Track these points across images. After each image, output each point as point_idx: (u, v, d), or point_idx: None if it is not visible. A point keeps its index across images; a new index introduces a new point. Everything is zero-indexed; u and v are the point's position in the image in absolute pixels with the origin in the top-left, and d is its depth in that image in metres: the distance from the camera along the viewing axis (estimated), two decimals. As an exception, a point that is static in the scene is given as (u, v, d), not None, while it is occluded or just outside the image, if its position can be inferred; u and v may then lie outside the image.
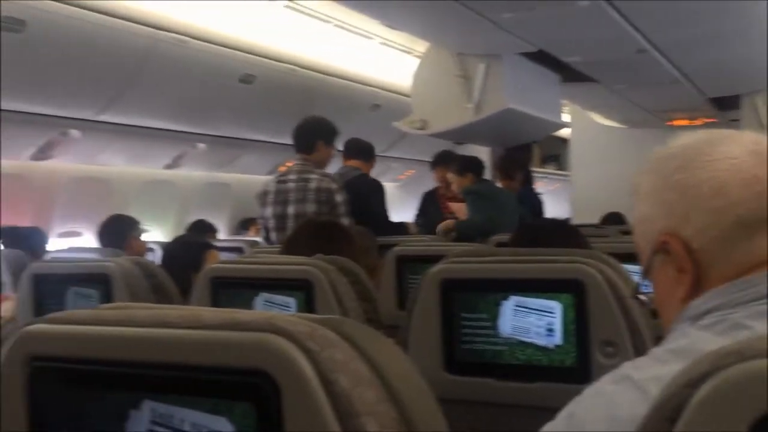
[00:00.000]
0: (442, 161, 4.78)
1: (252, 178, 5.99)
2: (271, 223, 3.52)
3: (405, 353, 1.48)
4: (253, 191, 6.12)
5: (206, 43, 4.17)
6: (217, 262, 2.11)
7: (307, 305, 1.62)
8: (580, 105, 6.85)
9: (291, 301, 1.66)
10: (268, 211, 3.51)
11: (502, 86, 4.15)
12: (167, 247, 2.75)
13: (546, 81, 4.80)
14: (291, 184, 3.47)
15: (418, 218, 5.01)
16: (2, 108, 3.83)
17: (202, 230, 4.72)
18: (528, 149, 7.07)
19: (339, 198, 3.42)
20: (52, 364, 0.68)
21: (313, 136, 3.58)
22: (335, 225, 2.25)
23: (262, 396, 0.57)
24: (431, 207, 4.91)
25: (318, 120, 3.70)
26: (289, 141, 5.69)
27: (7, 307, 2.73)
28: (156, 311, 0.68)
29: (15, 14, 3.21)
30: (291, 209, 3.43)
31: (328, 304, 1.60)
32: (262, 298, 1.69)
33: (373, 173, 7.59)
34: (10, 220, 4.16)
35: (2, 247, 3.65)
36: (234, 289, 1.73)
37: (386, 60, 5.65)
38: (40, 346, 0.69)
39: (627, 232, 3.54)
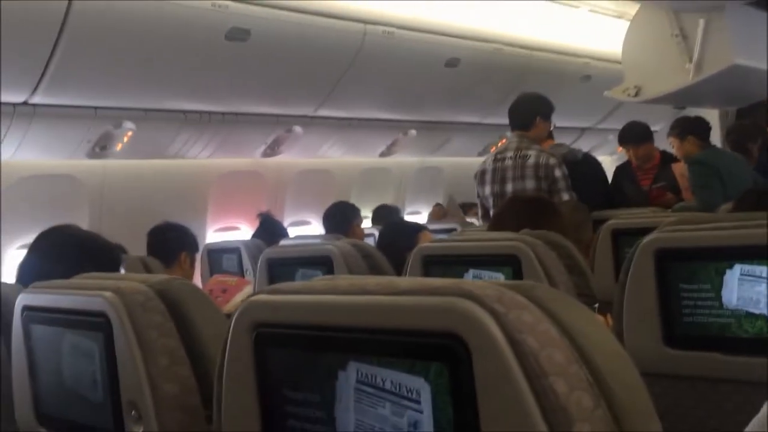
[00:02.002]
0: (631, 139, 4.45)
1: (462, 160, 6.06)
2: (490, 202, 3.53)
3: (619, 326, 1.43)
4: (464, 173, 6.21)
5: (411, 31, 4.29)
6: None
7: (516, 280, 1.62)
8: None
9: (499, 276, 1.67)
10: (487, 190, 3.52)
11: (726, 41, 3.79)
12: (383, 230, 2.89)
13: (779, 30, 4.30)
14: (509, 162, 3.44)
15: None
16: (236, 112, 4.25)
17: (388, 214, 4.86)
18: (762, 108, 6.39)
19: (558, 173, 3.35)
20: (273, 330, 0.76)
21: (531, 112, 3.55)
22: (542, 200, 2.22)
23: (453, 356, 0.60)
24: (626, 182, 4.59)
25: (534, 96, 3.66)
26: (497, 121, 5.69)
27: (248, 291, 3.04)
28: (357, 280, 0.73)
29: (240, 25, 3.53)
30: (509, 186, 3.40)
31: (536, 279, 1.59)
32: (471, 275, 1.72)
33: (589, 146, 7.35)
34: (249, 213, 4.61)
35: (248, 238, 4.09)
36: (444, 266, 1.78)
37: (596, 28, 5.41)
38: (262, 313, 0.77)
39: None
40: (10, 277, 2.26)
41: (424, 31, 4.37)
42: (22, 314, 1.18)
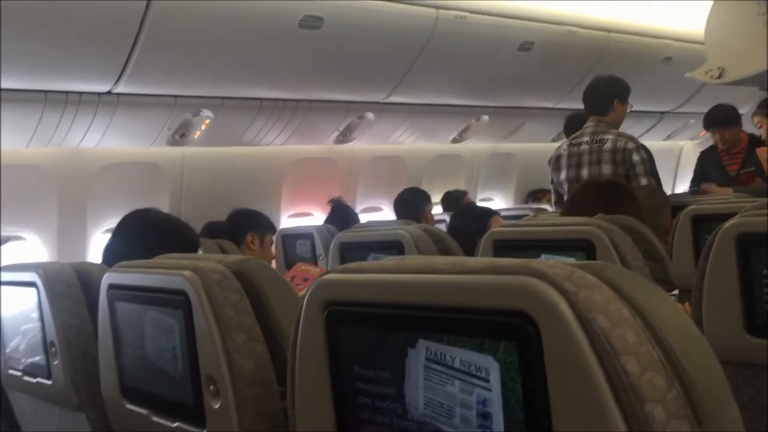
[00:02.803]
0: (718, 122, 4.26)
1: (536, 146, 5.97)
2: (564, 187, 3.47)
3: (699, 314, 1.40)
4: (537, 160, 6.11)
5: (484, 15, 4.24)
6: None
7: (589, 265, 1.59)
8: None
9: (572, 261, 1.64)
10: (562, 175, 3.45)
11: (818, 18, 3.60)
12: (454, 215, 2.89)
13: None
14: (585, 147, 3.37)
15: (693, 185, 4.52)
16: (309, 99, 4.30)
17: (457, 199, 4.83)
18: None
19: (636, 157, 3.25)
20: (344, 308, 0.77)
21: (608, 96, 3.46)
22: (618, 184, 2.16)
23: (523, 335, 0.60)
24: (712, 167, 4.40)
25: (611, 78, 3.57)
26: (572, 106, 5.56)
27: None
28: (426, 260, 0.73)
29: (313, 12, 3.57)
30: (585, 171, 3.34)
31: (611, 263, 1.56)
32: (543, 259, 1.70)
33: (668, 131, 7.11)
34: (322, 199, 4.68)
35: (320, 223, 4.15)
36: (515, 250, 1.77)
37: (677, 8, 5.21)
38: (334, 292, 0.79)
39: None
40: (96, 260, 2.37)
41: (497, 15, 4.31)
42: (107, 292, 1.23)
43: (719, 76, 4.03)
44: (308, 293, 0.82)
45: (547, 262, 0.63)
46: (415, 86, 4.50)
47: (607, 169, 3.27)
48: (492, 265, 0.64)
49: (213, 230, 3.54)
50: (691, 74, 4.25)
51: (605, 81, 3.55)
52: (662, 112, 6.68)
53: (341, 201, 4.39)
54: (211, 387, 1.00)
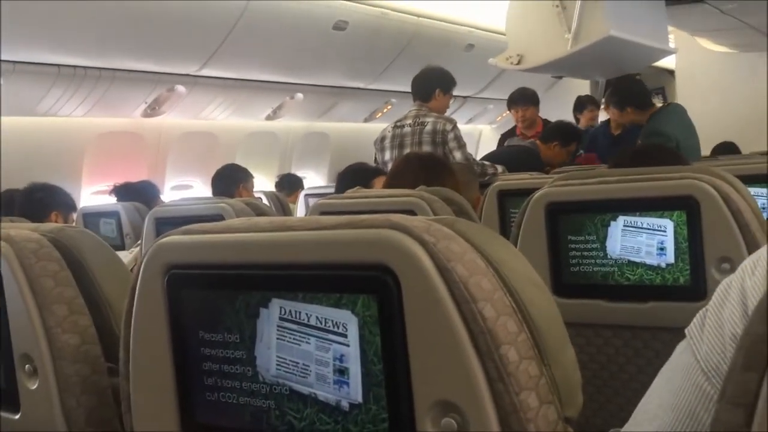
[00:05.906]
0: (520, 101, 4.67)
1: (348, 126, 6.06)
2: (389, 167, 3.62)
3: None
4: (350, 139, 6.20)
5: (299, -8, 4.21)
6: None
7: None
8: (686, 30, 6.46)
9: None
10: (387, 155, 3.66)
11: (602, 12, 3.95)
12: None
13: (650, 4, 4.54)
14: (407, 129, 3.60)
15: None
16: (113, 68, 4.02)
17: (293, 185, 4.87)
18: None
19: (452, 135, 3.53)
20: (188, 271, 0.73)
21: (431, 85, 3.72)
22: (437, 159, 2.26)
23: (382, 287, 0.60)
24: None
25: (436, 69, 3.83)
26: (383, 87, 5.70)
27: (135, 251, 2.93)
28: (278, 218, 0.72)
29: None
30: (407, 152, 3.53)
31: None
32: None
33: (469, 115, 7.53)
34: (128, 176, 4.40)
35: (115, 201, 3.89)
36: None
37: (481, -2, 5.51)
38: (176, 255, 0.74)
39: (741, 160, 3.36)
40: None
41: (312, -8, 4.30)
42: None
43: (518, 63, 4.32)
44: (145, 258, 0.76)
45: (404, 216, 0.64)
46: (228, 60, 4.38)
47: (427, 150, 3.50)
48: (350, 221, 0.64)
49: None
50: (493, 60, 4.51)
51: (431, 71, 3.82)
52: (465, 97, 7.07)
53: (130, 183, 4.09)
54: (27, 366, 0.91)
